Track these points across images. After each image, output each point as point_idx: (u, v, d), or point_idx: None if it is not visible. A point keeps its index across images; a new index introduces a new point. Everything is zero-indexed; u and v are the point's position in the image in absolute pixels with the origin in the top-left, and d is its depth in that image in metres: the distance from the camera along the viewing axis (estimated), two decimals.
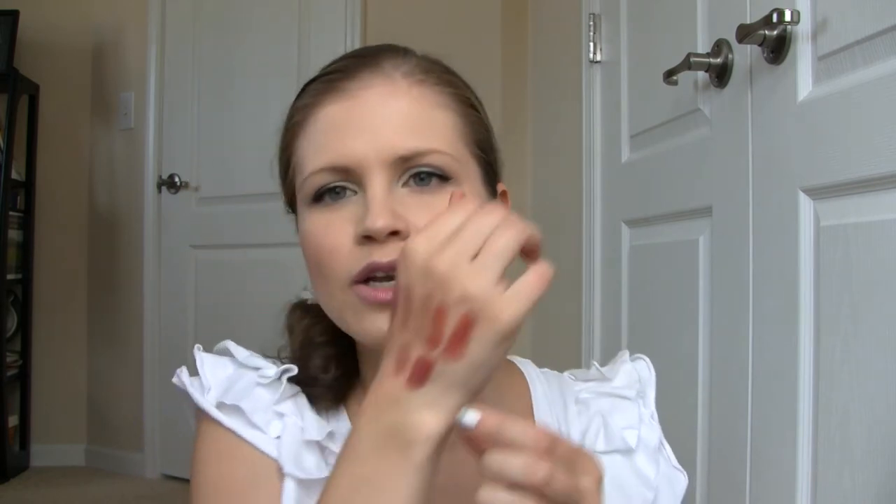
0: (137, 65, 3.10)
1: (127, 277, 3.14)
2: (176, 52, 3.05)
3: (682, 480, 0.73)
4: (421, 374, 0.50)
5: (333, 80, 0.65)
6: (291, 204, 0.69)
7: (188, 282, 3.02)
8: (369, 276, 0.60)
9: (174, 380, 0.68)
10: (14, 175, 2.99)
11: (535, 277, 0.50)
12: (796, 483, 1.03)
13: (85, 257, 3.26)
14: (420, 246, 0.51)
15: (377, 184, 0.60)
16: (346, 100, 0.63)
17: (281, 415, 0.65)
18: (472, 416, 0.49)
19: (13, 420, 3.02)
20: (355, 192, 0.62)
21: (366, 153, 0.61)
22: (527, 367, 0.76)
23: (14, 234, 3.03)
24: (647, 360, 0.79)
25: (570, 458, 0.49)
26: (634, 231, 1.63)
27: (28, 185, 3.09)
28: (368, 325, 0.61)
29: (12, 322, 3.10)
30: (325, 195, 0.63)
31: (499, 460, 0.48)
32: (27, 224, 3.10)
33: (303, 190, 0.64)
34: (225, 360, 0.69)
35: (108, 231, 3.22)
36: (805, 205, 1.03)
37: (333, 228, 0.62)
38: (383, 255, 0.59)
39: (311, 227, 0.63)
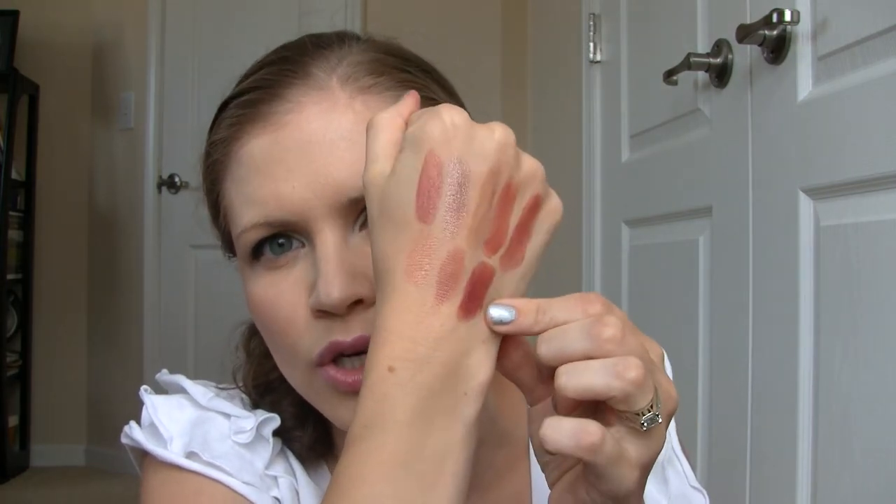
0: (137, 65, 3.10)
1: (127, 277, 3.14)
2: (176, 52, 3.05)
3: (701, 501, 0.63)
4: (479, 293, 0.38)
5: (254, 101, 0.51)
6: (230, 249, 0.56)
7: (188, 282, 3.02)
8: (334, 357, 0.49)
9: (123, 439, 0.56)
10: (14, 175, 2.99)
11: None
12: (796, 483, 1.03)
13: (85, 257, 3.26)
14: (463, 113, 0.39)
15: (327, 239, 0.48)
16: (272, 129, 0.50)
17: (274, 477, 0.54)
18: (506, 310, 0.38)
19: (13, 420, 3.02)
20: (303, 244, 0.50)
21: (306, 200, 0.48)
22: None
23: (14, 234, 3.03)
24: (662, 351, 0.67)
25: (631, 328, 0.39)
26: (634, 231, 1.63)
27: (28, 185, 3.09)
28: (344, 413, 0.49)
29: (12, 322, 3.10)
30: (265, 247, 0.50)
31: (549, 337, 0.38)
32: (27, 224, 3.10)
33: (239, 246, 0.52)
34: (180, 400, 0.57)
35: (108, 231, 3.22)
36: (805, 205, 1.03)
37: (284, 298, 0.49)
38: (346, 331, 0.48)
39: (258, 292, 0.51)
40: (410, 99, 0.44)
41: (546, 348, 0.38)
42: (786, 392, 1.05)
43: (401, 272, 0.38)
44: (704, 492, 0.64)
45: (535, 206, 0.39)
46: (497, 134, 0.39)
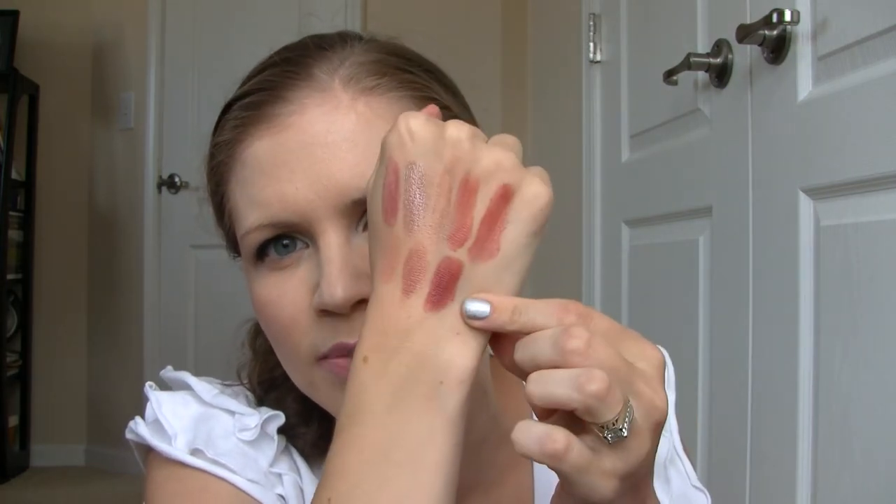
0: (137, 65, 3.10)
1: (127, 277, 3.14)
2: (176, 52, 3.05)
3: (703, 501, 0.63)
4: (447, 286, 0.39)
5: (257, 103, 0.52)
6: (235, 249, 0.56)
7: (188, 282, 3.02)
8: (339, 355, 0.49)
9: (127, 434, 0.56)
10: (14, 175, 2.99)
11: (542, 169, 0.42)
12: (796, 483, 1.03)
13: (85, 257, 3.26)
14: (419, 118, 0.40)
15: (331, 240, 0.48)
16: (276, 132, 0.50)
17: (279, 475, 0.55)
18: (481, 305, 0.39)
19: (13, 420, 3.02)
20: (307, 245, 0.50)
21: (309, 201, 0.48)
22: None
23: (14, 234, 3.03)
24: (664, 351, 0.67)
25: (613, 337, 0.39)
26: (634, 231, 1.63)
27: (28, 185, 3.09)
28: None
29: (12, 322, 3.10)
30: (270, 248, 0.51)
31: (523, 344, 0.38)
32: (27, 224, 3.10)
33: (244, 247, 0.52)
34: (185, 397, 0.56)
35: (108, 231, 3.22)
36: (805, 205, 1.03)
37: (288, 298, 0.50)
38: (351, 332, 0.48)
39: (262, 293, 0.51)
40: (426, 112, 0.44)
41: (519, 355, 0.38)
42: (786, 392, 1.05)
43: (377, 273, 0.41)
44: (706, 491, 0.64)
45: (504, 196, 0.40)
46: (449, 132, 0.40)
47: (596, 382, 0.35)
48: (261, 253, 0.51)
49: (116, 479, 2.95)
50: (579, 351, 0.36)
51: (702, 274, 1.30)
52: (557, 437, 0.35)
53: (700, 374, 1.30)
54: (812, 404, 1.01)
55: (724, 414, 1.23)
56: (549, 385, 0.36)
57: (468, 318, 0.39)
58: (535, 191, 0.40)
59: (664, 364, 0.40)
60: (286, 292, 0.50)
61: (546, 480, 0.60)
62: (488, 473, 0.59)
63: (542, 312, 0.39)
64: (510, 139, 0.42)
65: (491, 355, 0.52)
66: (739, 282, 1.17)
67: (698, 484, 0.64)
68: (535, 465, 0.61)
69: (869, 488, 0.91)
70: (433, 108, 0.45)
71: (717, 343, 1.26)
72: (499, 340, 0.41)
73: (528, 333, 0.39)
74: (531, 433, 0.36)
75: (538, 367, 0.37)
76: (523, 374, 0.39)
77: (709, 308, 1.28)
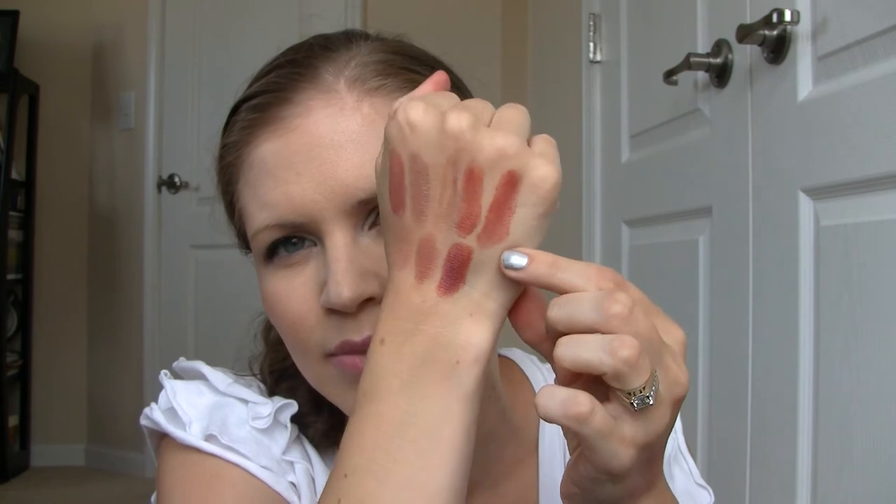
0: (137, 65, 3.10)
1: (127, 277, 3.14)
2: (176, 52, 3.05)
3: (706, 498, 0.64)
4: (458, 271, 0.40)
5: (263, 105, 0.52)
6: (246, 245, 0.57)
7: (188, 282, 3.02)
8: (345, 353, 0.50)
9: (142, 421, 0.58)
10: (14, 175, 2.99)
11: (548, 142, 0.42)
12: (796, 483, 1.03)
13: (85, 257, 3.26)
14: (418, 108, 0.40)
15: (337, 240, 0.49)
16: (281, 134, 0.51)
17: (291, 463, 0.56)
18: (520, 256, 0.40)
19: (13, 420, 3.02)
20: (315, 243, 0.51)
21: (316, 202, 0.49)
22: (526, 363, 0.66)
23: (14, 234, 3.03)
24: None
25: (645, 309, 0.40)
26: (634, 231, 1.63)
27: (28, 185, 3.09)
28: (353, 399, 0.49)
29: (12, 322, 3.10)
30: (280, 247, 0.52)
31: (562, 302, 0.38)
32: (27, 224, 3.10)
33: (254, 246, 0.54)
34: (199, 386, 0.58)
35: (108, 231, 3.22)
36: (805, 205, 1.03)
37: (296, 295, 0.51)
38: (357, 330, 0.49)
39: (272, 290, 0.52)
40: (428, 84, 0.45)
41: (556, 312, 0.39)
42: (786, 392, 1.05)
43: (392, 260, 0.42)
44: (710, 489, 0.65)
45: (510, 182, 0.39)
46: (449, 123, 0.39)
47: (628, 348, 0.36)
48: (270, 252, 0.52)
49: (116, 479, 2.95)
50: (622, 316, 0.37)
51: (702, 274, 1.30)
52: (582, 399, 0.36)
53: (700, 374, 1.30)
54: (812, 404, 1.01)
55: (724, 414, 1.23)
56: (581, 348, 0.37)
57: (506, 269, 0.40)
58: (541, 174, 0.40)
59: (685, 343, 0.41)
60: (294, 289, 0.51)
61: (551, 477, 0.61)
62: (495, 468, 0.59)
63: (580, 273, 0.39)
64: (515, 114, 0.42)
65: (499, 354, 0.53)
66: (739, 282, 1.17)
67: (702, 481, 0.65)
68: (540, 461, 0.61)
69: (869, 488, 0.91)
70: (442, 75, 0.45)
71: (717, 343, 1.26)
72: (522, 312, 0.42)
73: (560, 293, 0.39)
74: (555, 397, 0.37)
75: (573, 328, 0.38)
76: (547, 345, 0.40)
77: (709, 308, 1.28)
